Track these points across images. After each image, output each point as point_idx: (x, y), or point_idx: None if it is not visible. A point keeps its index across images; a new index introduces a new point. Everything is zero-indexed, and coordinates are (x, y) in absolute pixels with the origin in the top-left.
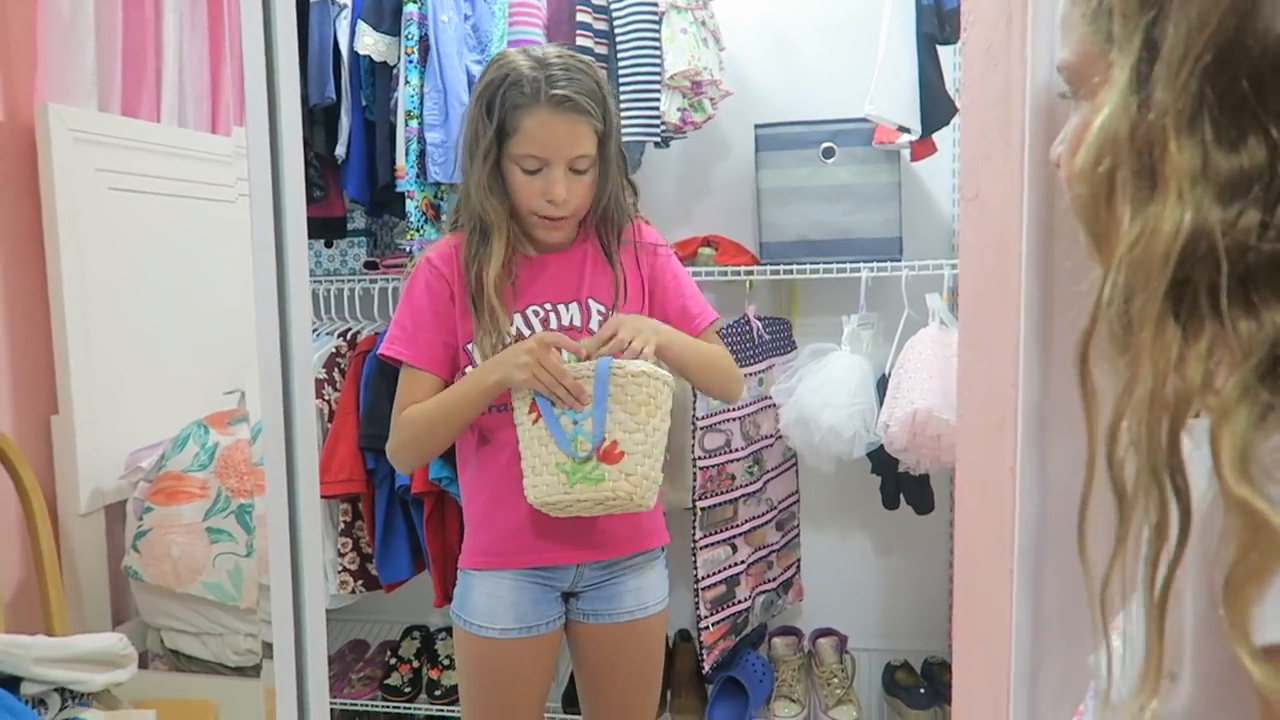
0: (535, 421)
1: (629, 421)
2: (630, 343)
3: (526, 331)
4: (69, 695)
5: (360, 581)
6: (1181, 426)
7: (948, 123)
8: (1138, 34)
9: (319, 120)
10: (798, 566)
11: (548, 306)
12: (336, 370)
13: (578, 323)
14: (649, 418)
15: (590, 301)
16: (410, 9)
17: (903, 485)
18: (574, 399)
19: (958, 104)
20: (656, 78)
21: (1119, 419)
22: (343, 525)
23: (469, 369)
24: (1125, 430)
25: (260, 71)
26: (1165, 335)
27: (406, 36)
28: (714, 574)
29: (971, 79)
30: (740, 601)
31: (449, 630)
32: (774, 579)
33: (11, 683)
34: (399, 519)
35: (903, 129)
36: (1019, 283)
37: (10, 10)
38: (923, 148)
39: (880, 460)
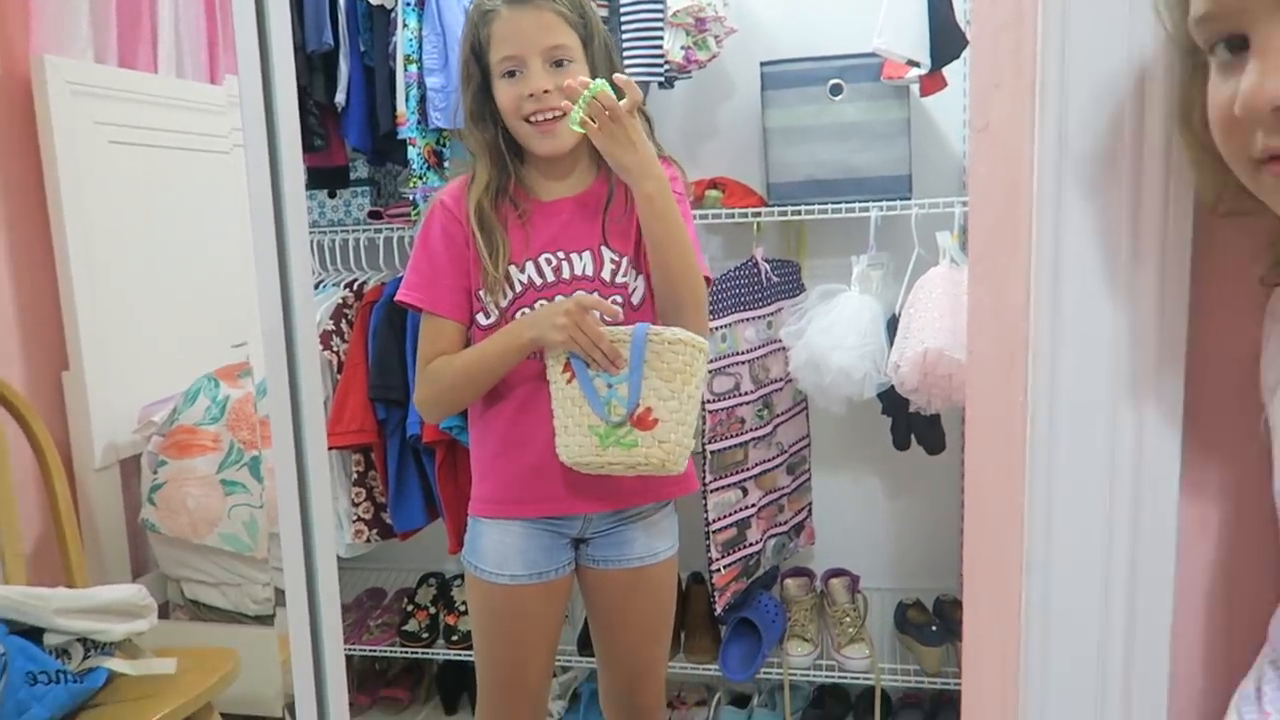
0: (569, 382)
1: (664, 389)
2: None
3: (537, 279)
4: (91, 645)
5: (375, 530)
6: None
7: (958, 56)
8: None
9: (317, 67)
10: (809, 510)
11: (560, 255)
12: (344, 321)
13: (589, 272)
14: (684, 385)
15: (603, 250)
16: None
17: (914, 426)
18: (610, 362)
19: (968, 36)
20: (659, 16)
21: None
22: (355, 475)
23: (480, 315)
24: None
25: (251, 17)
26: None
27: None
28: (725, 517)
29: (981, 3)
30: (751, 544)
31: (464, 577)
32: (785, 522)
33: (34, 634)
34: (411, 468)
35: (912, 63)
36: (1030, 215)
37: None
38: (932, 82)
39: (891, 401)
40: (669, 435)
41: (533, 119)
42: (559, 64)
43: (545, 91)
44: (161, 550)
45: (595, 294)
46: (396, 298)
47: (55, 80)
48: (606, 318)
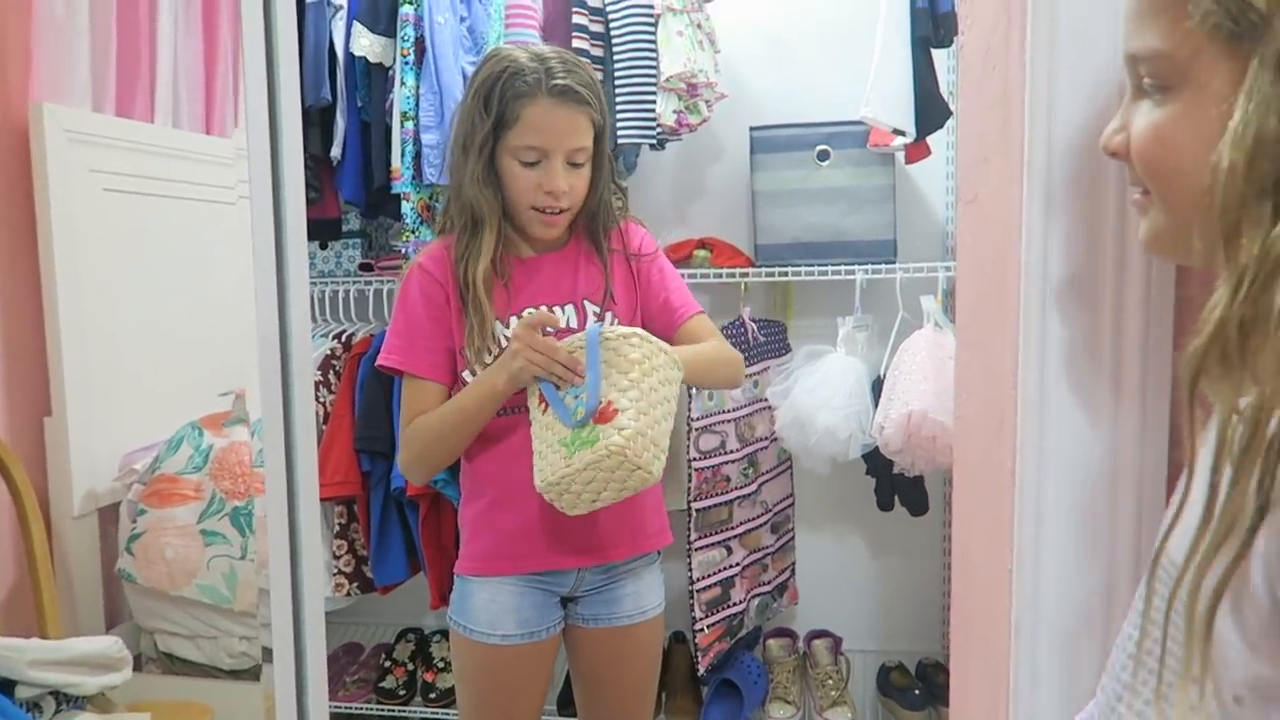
0: (545, 410)
1: (621, 380)
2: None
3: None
4: (64, 698)
5: (355, 584)
6: None
7: (942, 125)
8: (1275, 28)
9: (314, 121)
10: (793, 569)
11: (543, 308)
12: (332, 373)
13: (574, 324)
14: (644, 376)
15: (585, 303)
16: (406, 10)
17: (898, 487)
18: (572, 374)
19: (952, 107)
20: (652, 80)
21: (1240, 432)
22: (338, 527)
23: (465, 373)
24: (1231, 436)
25: (261, 74)
26: None
27: (402, 38)
28: (709, 576)
29: (969, 82)
30: (735, 604)
31: (444, 633)
32: (769, 581)
33: (6, 686)
34: (394, 521)
35: (897, 132)
36: (1018, 286)
37: (5, 10)
38: (917, 150)
39: (875, 462)
40: (628, 423)
41: (543, 210)
42: (575, 164)
43: (562, 193)
44: (137, 601)
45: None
46: (377, 363)
47: (52, 128)
48: (550, 329)
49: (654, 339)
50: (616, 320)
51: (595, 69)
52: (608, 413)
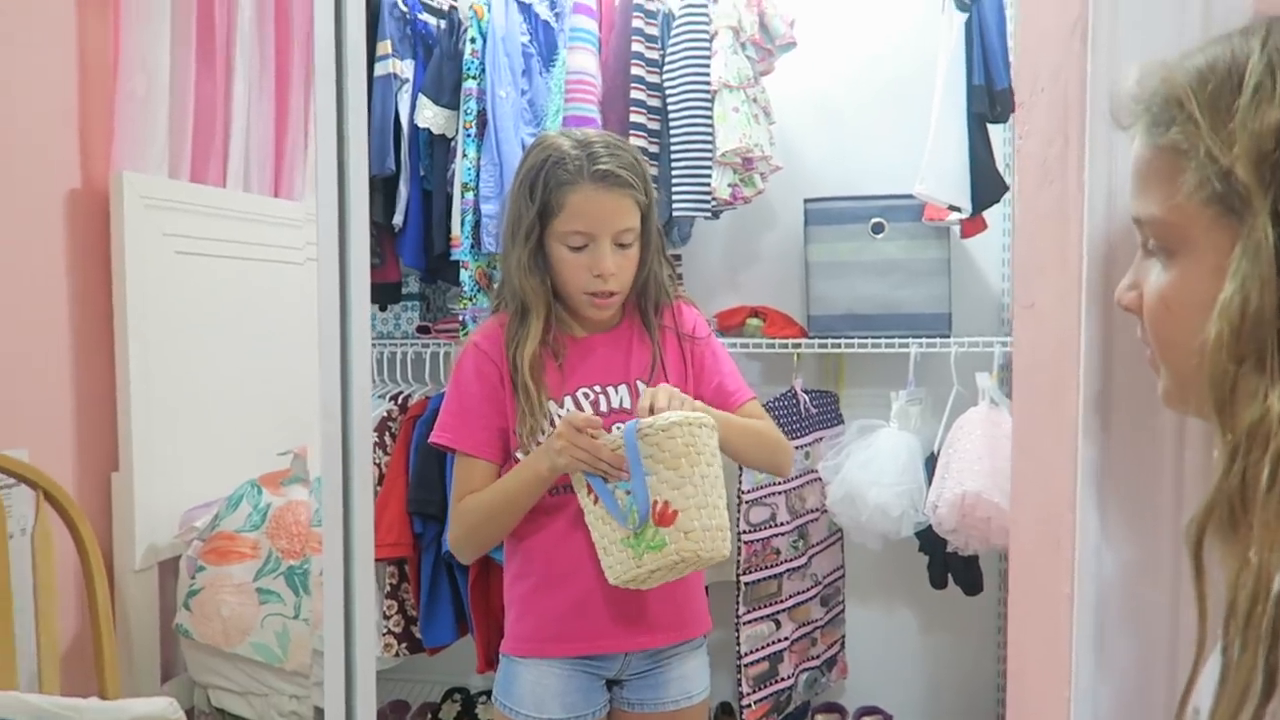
0: (596, 502)
1: (673, 477)
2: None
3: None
4: None
5: (404, 644)
6: None
7: (998, 200)
8: (1264, 209)
9: (378, 189)
10: (842, 643)
11: (597, 389)
12: (387, 434)
13: (627, 404)
14: (692, 467)
15: (639, 383)
16: (469, 84)
17: (951, 565)
18: (618, 470)
19: (1008, 182)
20: (708, 154)
21: (1241, 599)
22: (389, 587)
23: (519, 453)
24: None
25: (332, 144)
26: None
27: (465, 111)
28: (757, 650)
29: (1026, 185)
30: (783, 679)
31: (489, 693)
32: (818, 656)
33: None
34: (444, 583)
35: (953, 208)
36: (1075, 398)
37: (90, 84)
38: (973, 225)
39: (928, 539)
40: (692, 523)
41: (594, 294)
42: (623, 245)
43: (611, 275)
44: (192, 656)
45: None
46: (430, 439)
47: (130, 194)
48: (593, 432)
49: (689, 416)
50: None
51: (651, 142)
52: (667, 515)
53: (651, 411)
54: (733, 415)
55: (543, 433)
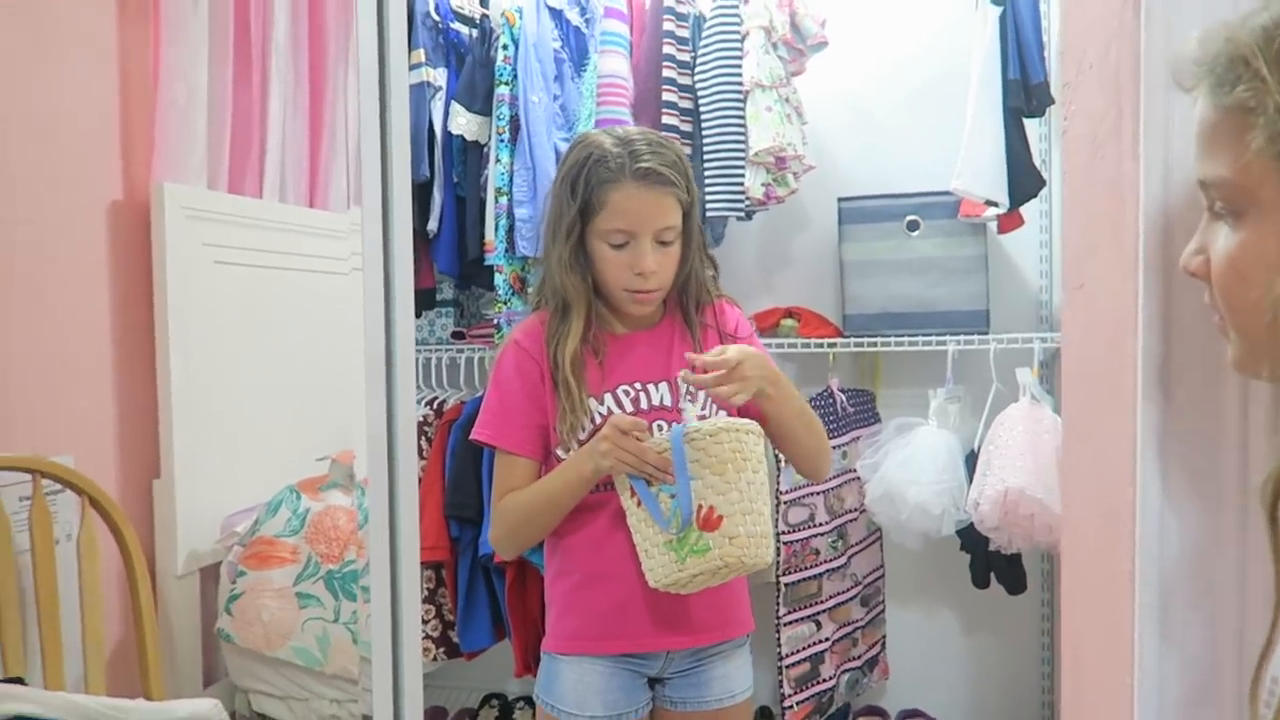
0: (639, 505)
1: (719, 483)
2: (731, 393)
3: (617, 411)
4: None
5: (442, 649)
6: None
7: (1035, 195)
8: None
9: (412, 196)
10: (883, 644)
11: (637, 386)
12: (424, 439)
13: (667, 402)
14: (738, 473)
15: (680, 381)
16: (502, 90)
17: (993, 564)
18: (664, 473)
19: (1044, 176)
20: (741, 154)
21: None
22: (426, 592)
23: (559, 450)
24: None
25: (375, 153)
26: None
27: (498, 116)
28: (798, 651)
29: (1074, 167)
30: (825, 680)
31: (527, 699)
32: (859, 656)
33: None
34: (481, 587)
35: (990, 203)
36: (1133, 377)
37: (131, 98)
38: (1010, 220)
39: (970, 537)
40: (737, 529)
41: (635, 291)
42: (664, 243)
43: (652, 274)
44: (233, 660)
45: (670, 424)
46: (471, 436)
47: (171, 205)
48: (639, 435)
49: (735, 422)
50: (710, 401)
51: (684, 144)
52: (711, 519)
53: (713, 381)
54: (799, 404)
55: (583, 430)
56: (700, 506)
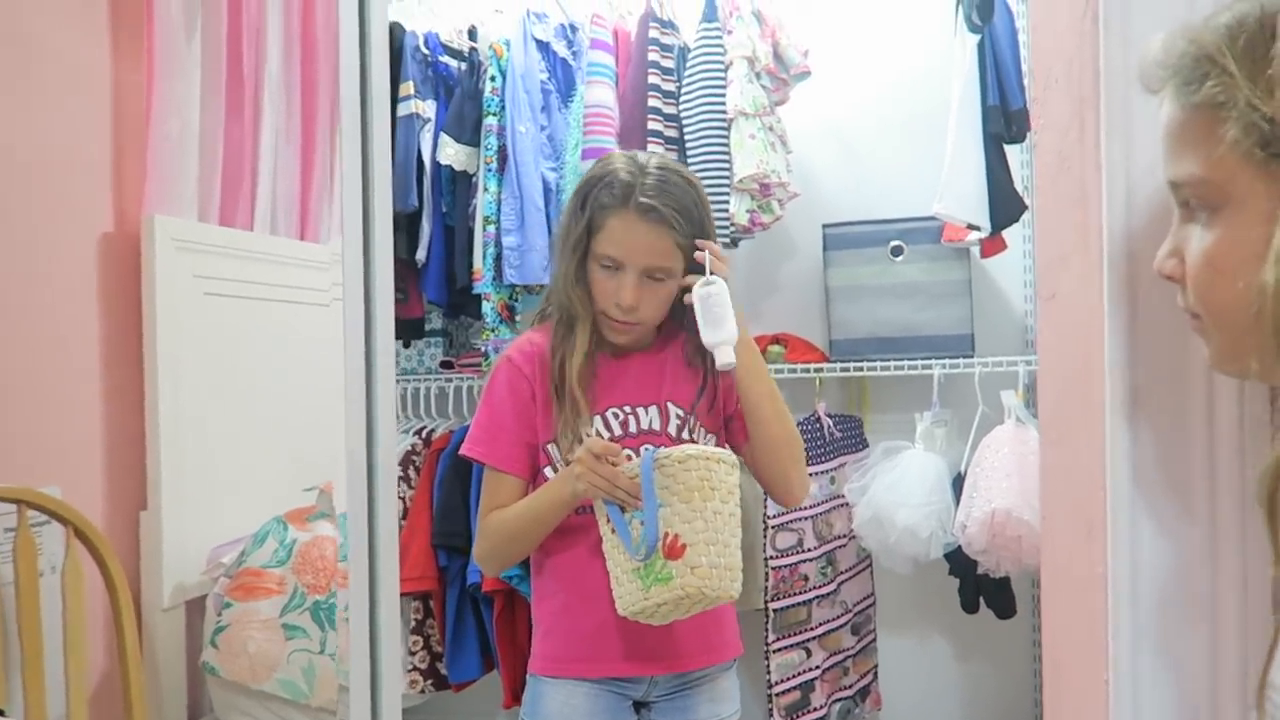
0: (613, 530)
1: (686, 510)
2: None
3: (605, 433)
4: None
5: (430, 681)
6: None
7: (1017, 219)
8: None
9: (400, 226)
10: (875, 673)
11: (627, 409)
12: (412, 468)
13: (656, 426)
14: (705, 502)
15: (670, 405)
16: (490, 121)
17: (982, 588)
18: (635, 499)
19: (1026, 201)
20: (726, 181)
21: None
22: (414, 623)
23: (547, 469)
24: None
25: (357, 184)
26: None
27: (486, 147)
28: (788, 679)
29: (1045, 181)
30: (816, 709)
31: None
32: (850, 685)
33: None
34: (469, 617)
35: (972, 227)
36: (1103, 385)
37: (124, 131)
38: (992, 245)
39: (958, 561)
40: (699, 559)
41: (614, 320)
42: (655, 279)
43: (632, 308)
44: (218, 694)
45: (660, 448)
46: (460, 451)
47: (162, 237)
48: (613, 460)
49: (707, 450)
50: (700, 426)
51: None
52: (676, 548)
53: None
54: (768, 373)
55: (572, 451)
56: (666, 534)
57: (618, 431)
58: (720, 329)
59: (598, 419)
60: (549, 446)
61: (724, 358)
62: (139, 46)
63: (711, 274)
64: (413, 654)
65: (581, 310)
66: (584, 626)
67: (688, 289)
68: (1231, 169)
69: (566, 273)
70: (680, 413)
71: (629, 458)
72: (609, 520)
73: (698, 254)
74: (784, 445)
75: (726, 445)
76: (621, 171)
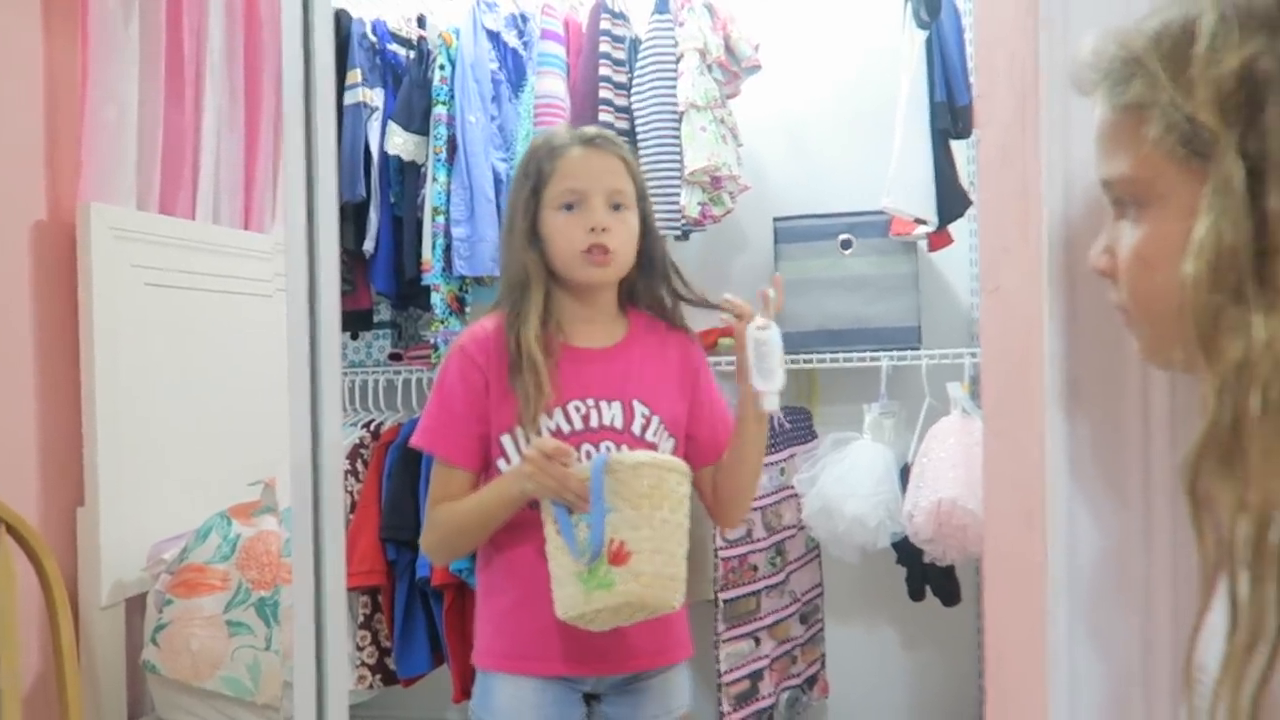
0: (558, 532)
1: (634, 517)
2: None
3: (565, 426)
4: None
5: (378, 676)
6: None
7: (963, 214)
8: (1231, 147)
9: (348, 217)
10: (823, 661)
11: (589, 402)
12: (360, 461)
13: (618, 424)
14: (654, 510)
15: (635, 403)
16: (439, 110)
17: (929, 576)
18: (583, 502)
19: (972, 197)
20: (677, 174)
21: (1245, 533)
22: (362, 617)
23: (500, 462)
24: (1240, 539)
25: (300, 173)
26: None
27: (435, 136)
28: (737, 669)
29: (988, 174)
30: (764, 698)
31: None
32: (799, 674)
33: None
34: (419, 611)
35: (919, 221)
36: (1042, 375)
37: (57, 115)
38: (939, 239)
39: (905, 551)
40: (644, 567)
41: (589, 250)
42: (616, 207)
43: (605, 229)
44: (159, 693)
45: (623, 447)
46: (411, 441)
47: (98, 226)
48: (564, 462)
49: (660, 458)
50: (663, 429)
51: None
52: (621, 554)
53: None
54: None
55: (528, 443)
56: (612, 540)
57: (578, 425)
58: (773, 378)
59: (558, 411)
60: (502, 438)
61: (770, 405)
62: (73, 29)
63: (763, 320)
64: (360, 649)
65: (535, 273)
66: (531, 625)
67: (738, 315)
68: (1157, 166)
69: (520, 234)
70: (646, 412)
71: (580, 460)
72: (555, 521)
73: (760, 289)
74: (750, 486)
75: (684, 456)
76: (560, 130)
